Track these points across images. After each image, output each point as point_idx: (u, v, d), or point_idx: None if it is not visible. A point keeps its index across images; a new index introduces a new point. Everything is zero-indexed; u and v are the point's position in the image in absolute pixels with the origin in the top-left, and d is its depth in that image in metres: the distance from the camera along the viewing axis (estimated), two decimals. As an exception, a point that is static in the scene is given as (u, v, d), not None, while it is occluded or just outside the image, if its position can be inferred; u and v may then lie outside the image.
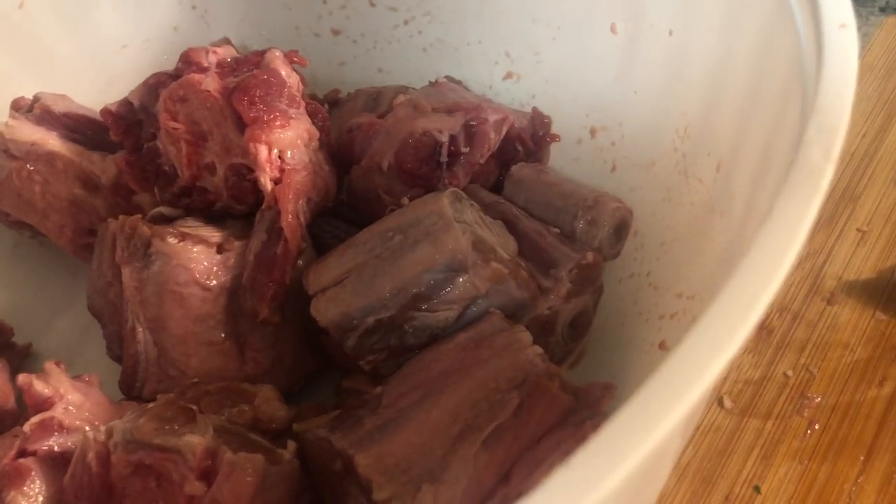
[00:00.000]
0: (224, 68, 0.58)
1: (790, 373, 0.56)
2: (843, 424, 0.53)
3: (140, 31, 0.81)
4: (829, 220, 0.65)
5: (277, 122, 0.56)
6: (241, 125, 0.57)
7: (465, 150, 0.64)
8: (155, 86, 0.60)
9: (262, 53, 0.59)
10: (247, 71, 0.58)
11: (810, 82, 0.37)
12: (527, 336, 0.52)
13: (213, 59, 0.59)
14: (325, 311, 0.56)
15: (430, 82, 0.74)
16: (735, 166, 0.52)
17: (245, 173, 0.58)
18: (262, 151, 0.55)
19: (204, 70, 0.58)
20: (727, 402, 0.55)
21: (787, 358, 0.57)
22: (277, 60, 0.58)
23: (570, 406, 0.48)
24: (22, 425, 0.56)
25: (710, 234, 0.54)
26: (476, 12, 0.75)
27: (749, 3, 0.48)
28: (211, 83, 0.57)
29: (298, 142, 0.57)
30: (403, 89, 0.74)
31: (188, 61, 0.59)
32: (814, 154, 0.31)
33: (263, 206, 0.58)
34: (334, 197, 0.63)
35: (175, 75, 0.61)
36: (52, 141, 0.67)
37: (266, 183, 0.56)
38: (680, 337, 0.52)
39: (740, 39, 0.50)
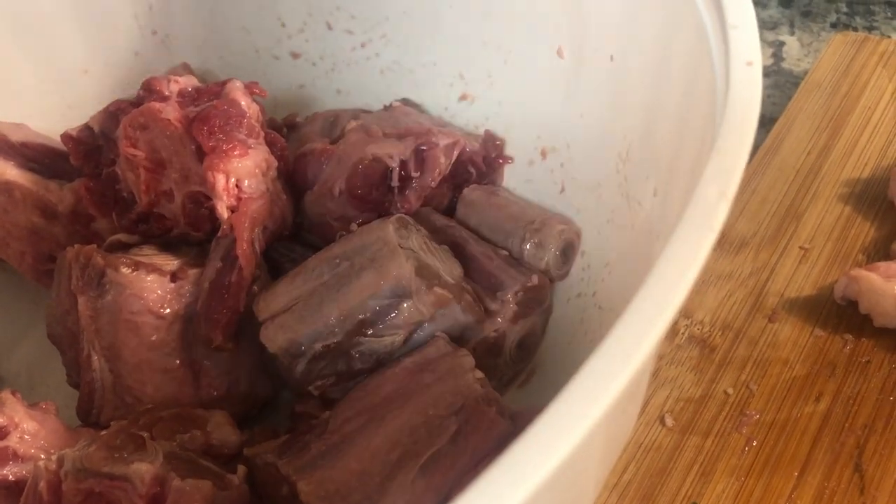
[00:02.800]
0: (185, 97, 0.60)
1: (731, 390, 0.57)
2: (780, 441, 0.54)
3: (100, 56, 0.82)
4: (772, 237, 0.66)
5: (236, 152, 0.57)
6: (201, 154, 0.58)
7: (415, 174, 0.65)
8: (115, 112, 0.61)
9: (223, 84, 0.61)
10: (207, 101, 0.59)
11: (719, 119, 0.38)
12: (468, 360, 0.53)
13: (174, 87, 0.60)
14: (274, 337, 0.57)
15: (384, 106, 0.76)
16: (668, 192, 0.53)
17: (202, 201, 0.59)
18: (220, 180, 0.56)
19: (165, 99, 0.59)
20: (668, 421, 0.56)
21: (729, 375, 0.58)
22: (238, 91, 0.59)
23: (508, 431, 0.49)
24: (-21, 454, 0.57)
25: (649, 257, 0.55)
26: (430, 35, 0.77)
27: (676, 34, 0.50)
28: (171, 112, 0.58)
29: (256, 171, 0.58)
30: (359, 113, 0.75)
31: (149, 89, 0.60)
32: (709, 193, 0.33)
33: (219, 234, 0.59)
34: (290, 225, 0.64)
35: (136, 103, 0.62)
36: (9, 171, 0.68)
37: (223, 211, 0.57)
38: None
39: (671, 69, 0.51)
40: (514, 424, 0.49)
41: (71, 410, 0.63)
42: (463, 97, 0.77)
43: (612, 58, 0.60)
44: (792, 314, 0.61)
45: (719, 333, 0.61)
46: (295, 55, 0.83)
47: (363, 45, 0.81)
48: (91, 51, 0.81)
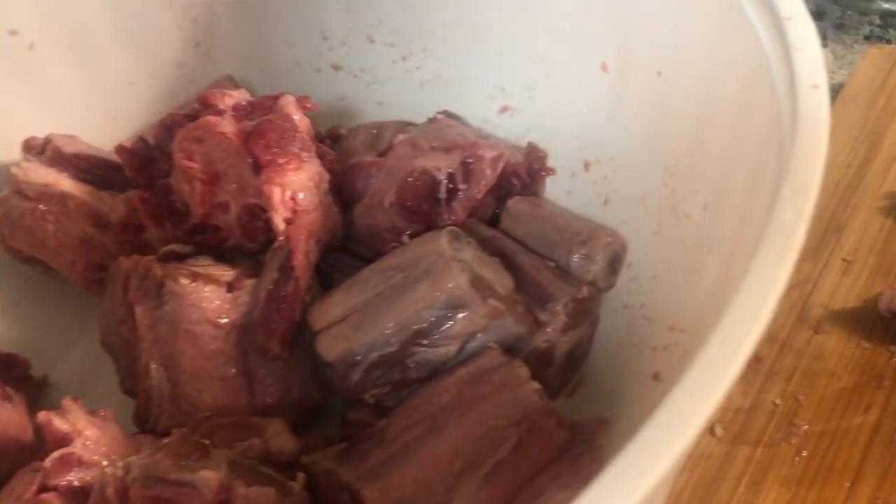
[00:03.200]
0: (239, 111, 0.61)
1: (778, 401, 0.58)
2: (830, 451, 0.55)
3: (145, 68, 0.83)
4: (815, 250, 0.67)
5: (291, 165, 0.58)
6: (257, 167, 0.60)
7: (462, 186, 0.66)
8: (171, 125, 0.62)
9: (276, 98, 0.62)
10: (261, 115, 0.60)
11: (786, 139, 0.39)
12: (524, 372, 0.54)
13: (228, 101, 0.61)
14: (330, 347, 0.59)
15: (428, 119, 0.77)
16: (721, 206, 0.54)
17: (258, 213, 0.60)
18: (276, 193, 0.58)
19: (220, 113, 0.60)
20: (718, 431, 0.57)
21: (776, 386, 0.59)
22: (290, 105, 0.61)
23: (566, 441, 0.50)
24: (41, 459, 0.58)
25: (700, 270, 0.56)
26: (471, 49, 0.78)
27: (730, 54, 0.51)
28: (227, 126, 0.59)
29: (310, 184, 0.60)
30: (403, 125, 0.76)
31: (205, 103, 0.62)
32: (787, 214, 0.34)
33: (275, 245, 0.60)
34: (341, 236, 0.65)
35: (191, 116, 0.63)
36: (63, 182, 0.70)
37: (279, 223, 0.58)
38: (673, 370, 0.55)
39: (723, 87, 0.52)
40: (572, 435, 0.50)
41: (122, 417, 0.64)
42: (504, 109, 0.78)
43: (659, 73, 0.62)
44: (837, 326, 0.62)
45: (765, 344, 0.62)
46: (336, 67, 0.84)
47: (404, 58, 0.82)
48: (136, 63, 0.83)
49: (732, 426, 0.57)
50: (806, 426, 0.57)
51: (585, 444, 0.50)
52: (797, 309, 0.64)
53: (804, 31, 0.42)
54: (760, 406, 0.58)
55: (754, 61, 0.46)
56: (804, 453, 0.55)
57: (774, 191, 0.39)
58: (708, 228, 0.56)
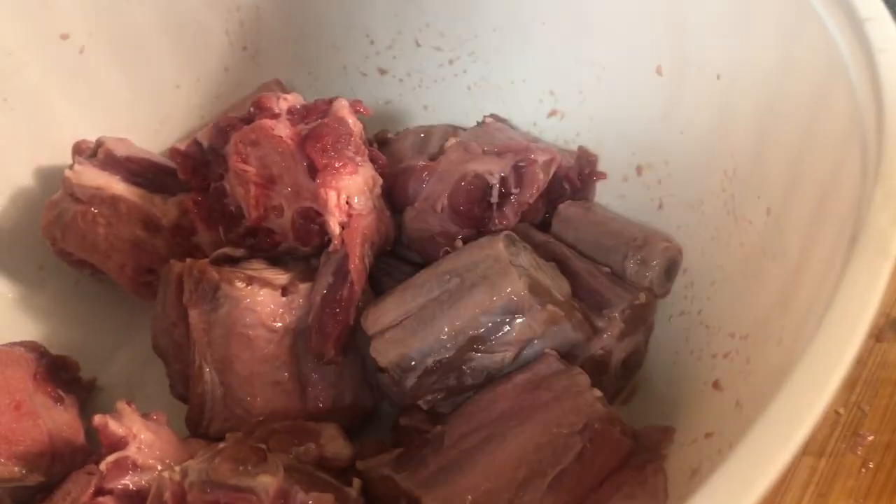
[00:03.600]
0: (294, 115, 0.61)
1: (842, 410, 0.57)
2: (898, 463, 0.54)
3: (192, 72, 0.84)
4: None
5: (347, 169, 0.58)
6: (312, 171, 0.59)
7: (514, 190, 0.66)
8: (225, 128, 0.62)
9: (330, 102, 0.61)
10: (316, 118, 0.60)
11: (871, 142, 0.38)
12: (585, 379, 0.53)
13: (283, 105, 0.61)
14: (385, 351, 0.58)
15: (477, 122, 0.76)
16: (787, 212, 0.53)
17: (313, 217, 0.60)
18: (332, 197, 0.57)
19: (275, 116, 0.60)
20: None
21: (839, 396, 0.58)
22: (344, 109, 0.60)
23: (631, 449, 0.49)
24: (93, 462, 0.58)
25: (762, 276, 0.55)
26: (520, 52, 0.77)
27: (799, 56, 0.50)
28: (283, 129, 0.59)
29: (364, 188, 0.59)
30: (451, 129, 0.76)
31: (260, 107, 0.62)
32: (881, 220, 0.33)
33: (330, 249, 0.60)
34: (393, 240, 0.65)
35: (246, 119, 0.63)
36: (115, 185, 0.70)
37: (335, 227, 0.58)
38: (735, 378, 0.54)
39: (791, 90, 0.51)
40: (635, 443, 0.49)
41: (172, 421, 0.64)
42: (552, 113, 0.77)
43: (718, 76, 0.61)
44: (900, 334, 0.61)
45: (826, 353, 0.61)
46: (382, 71, 0.84)
47: (451, 62, 0.82)
48: (183, 66, 0.83)
49: (795, 436, 0.56)
50: (871, 437, 0.55)
51: (649, 452, 0.49)
52: (858, 317, 0.62)
53: (887, 32, 0.41)
54: (823, 415, 0.57)
55: (828, 63, 0.45)
56: (870, 464, 0.54)
57: (858, 196, 0.38)
58: (771, 234, 0.55)
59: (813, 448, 0.56)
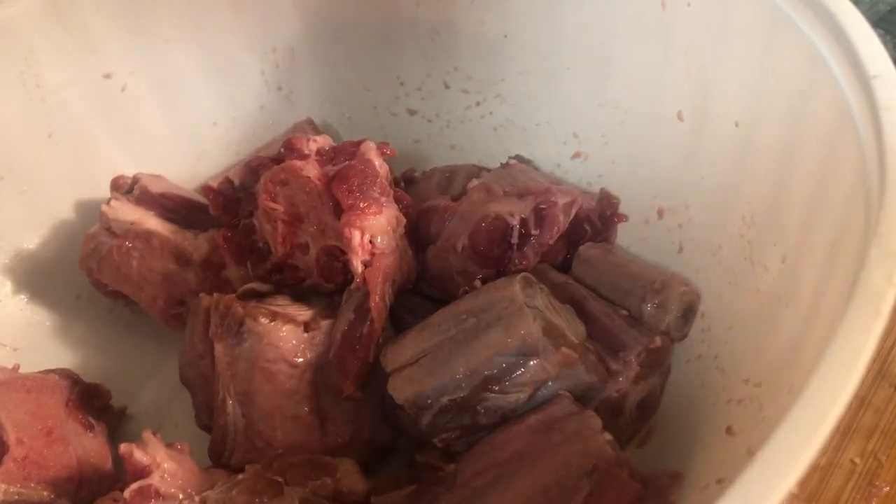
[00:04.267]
0: (322, 156, 0.63)
1: (857, 460, 0.57)
2: (913, 515, 0.54)
3: (228, 110, 0.87)
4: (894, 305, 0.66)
5: (371, 210, 0.60)
6: (338, 210, 0.61)
7: (535, 232, 0.67)
8: (256, 167, 0.65)
9: (358, 144, 0.64)
10: (344, 160, 0.62)
11: (873, 199, 0.39)
12: (597, 422, 0.54)
13: (313, 146, 0.63)
14: (401, 389, 0.59)
15: (500, 164, 0.78)
16: (801, 260, 0.53)
17: (337, 255, 0.62)
18: (356, 236, 0.59)
19: (305, 157, 0.62)
20: (794, 489, 0.56)
21: (854, 444, 0.58)
22: (371, 152, 0.62)
23: (639, 494, 0.49)
24: (119, 489, 0.60)
25: (777, 323, 0.56)
26: (545, 96, 0.79)
27: (812, 109, 0.51)
28: (311, 170, 0.61)
29: (388, 228, 0.61)
30: (476, 170, 0.77)
31: (290, 147, 0.64)
32: (876, 279, 0.34)
33: (352, 287, 0.61)
34: (414, 279, 0.66)
35: (277, 160, 0.65)
36: (149, 220, 0.73)
37: (357, 265, 0.60)
38: (747, 424, 0.54)
39: (806, 141, 0.52)
40: (645, 488, 0.50)
41: (197, 450, 0.65)
42: (576, 155, 0.79)
43: (737, 124, 0.61)
44: (920, 384, 0.61)
45: (844, 401, 0.60)
46: (412, 112, 0.86)
47: (478, 104, 0.84)
48: (220, 105, 0.86)
49: (808, 484, 0.56)
50: (887, 488, 0.55)
51: (658, 498, 0.49)
52: (876, 365, 0.62)
53: (891, 91, 0.41)
54: (838, 464, 0.57)
55: (840, 117, 0.46)
56: (886, 516, 0.54)
57: (860, 251, 0.39)
58: (786, 282, 0.55)
59: (828, 497, 0.56)
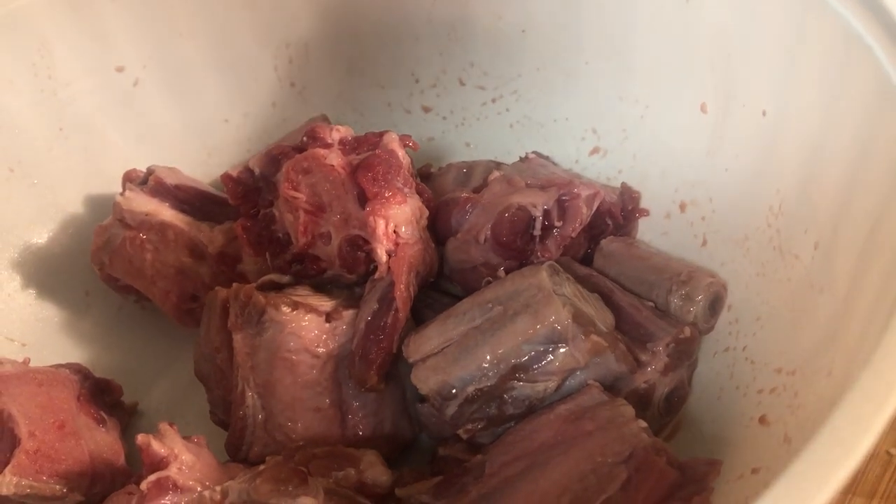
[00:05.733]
0: (346, 146, 0.62)
1: (894, 451, 0.56)
2: (952, 506, 0.52)
3: (241, 106, 0.86)
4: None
5: (396, 199, 0.59)
6: (362, 199, 0.60)
7: (557, 224, 0.66)
8: (277, 156, 0.64)
9: (381, 135, 0.63)
10: (367, 150, 0.61)
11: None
12: (629, 409, 0.53)
13: (336, 136, 0.62)
14: (425, 379, 0.58)
15: (520, 158, 0.77)
16: (836, 245, 0.53)
17: (360, 244, 0.61)
18: (381, 225, 0.58)
19: (328, 146, 0.61)
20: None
21: (890, 436, 0.57)
22: (395, 142, 0.61)
23: (677, 481, 0.48)
24: (134, 483, 0.58)
25: (810, 311, 0.55)
26: (562, 91, 0.78)
27: (849, 89, 0.50)
28: (335, 158, 0.60)
29: (412, 218, 0.60)
30: (494, 164, 0.77)
31: (313, 136, 0.63)
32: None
33: (375, 276, 0.60)
34: (437, 272, 0.65)
35: (299, 148, 0.64)
36: (164, 212, 0.71)
37: (382, 255, 0.59)
38: (782, 412, 0.53)
39: (841, 122, 0.51)
40: (683, 475, 0.49)
41: (213, 447, 0.64)
42: (594, 151, 0.78)
43: (764, 113, 0.61)
44: (952, 375, 0.59)
45: (875, 392, 0.59)
46: (426, 109, 0.86)
47: (494, 101, 0.83)
48: (232, 101, 0.85)
49: (845, 476, 0.55)
50: (924, 479, 0.54)
51: (696, 485, 0.48)
52: (908, 357, 0.61)
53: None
54: (874, 456, 0.56)
55: (879, 91, 0.45)
56: (924, 507, 0.53)
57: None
58: (819, 269, 0.55)
59: (864, 489, 0.54)
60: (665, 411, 0.61)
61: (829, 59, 0.52)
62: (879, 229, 0.45)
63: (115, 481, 0.63)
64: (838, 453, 0.29)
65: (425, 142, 0.86)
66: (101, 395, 0.69)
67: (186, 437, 0.60)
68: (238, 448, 0.62)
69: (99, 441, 0.65)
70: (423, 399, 0.60)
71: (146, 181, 0.73)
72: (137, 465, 0.60)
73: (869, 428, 0.30)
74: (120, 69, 0.79)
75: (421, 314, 0.67)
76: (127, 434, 0.69)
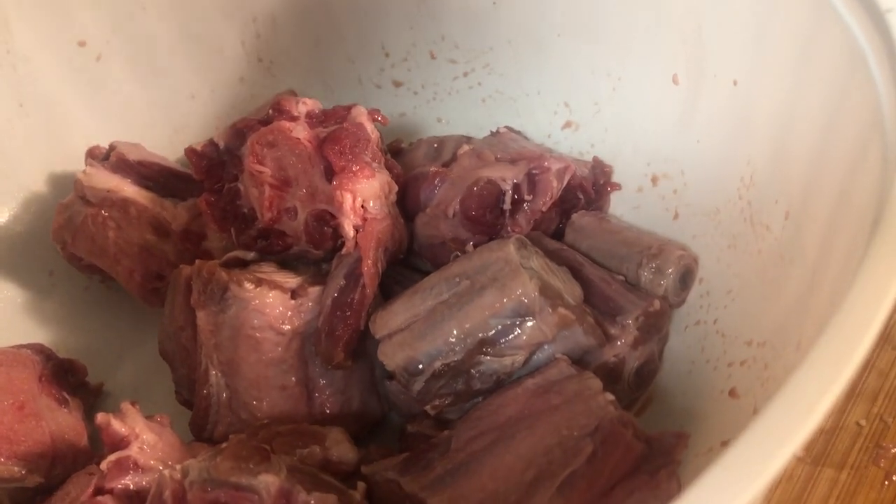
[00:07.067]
0: (312, 119, 0.61)
1: (863, 422, 0.56)
2: (921, 476, 0.52)
3: (207, 82, 0.84)
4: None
5: (364, 173, 0.58)
6: (329, 173, 0.59)
7: (528, 198, 0.65)
8: (242, 129, 0.62)
9: (349, 108, 0.61)
10: (334, 123, 0.60)
11: (892, 133, 0.37)
12: (597, 382, 0.52)
13: (302, 108, 0.61)
14: (392, 354, 0.57)
15: (491, 132, 0.76)
16: (806, 214, 0.52)
17: (327, 219, 0.59)
18: (348, 199, 0.57)
19: (294, 119, 0.60)
20: (799, 451, 0.54)
21: (860, 407, 0.56)
22: (363, 116, 0.60)
23: (644, 454, 0.48)
24: (95, 463, 0.57)
25: (780, 282, 0.54)
26: (535, 65, 0.77)
27: (819, 55, 0.49)
28: (301, 131, 0.59)
29: (380, 193, 0.59)
30: (465, 139, 0.75)
31: (279, 109, 0.61)
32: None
33: (342, 252, 0.59)
34: (406, 248, 0.64)
35: (264, 121, 0.62)
36: (126, 188, 0.70)
37: (349, 229, 0.58)
38: (752, 385, 0.52)
39: (810, 90, 0.51)
40: (650, 448, 0.48)
41: (177, 428, 0.63)
42: (567, 125, 0.77)
43: (735, 82, 0.60)
44: (923, 347, 0.59)
45: (846, 365, 0.59)
46: (397, 84, 0.84)
47: (465, 75, 0.82)
48: (199, 76, 0.83)
49: (814, 447, 0.55)
50: (894, 449, 0.53)
51: (663, 457, 0.47)
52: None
53: (910, 22, 0.40)
54: (844, 427, 0.55)
55: (848, 58, 0.44)
56: (894, 477, 0.52)
57: (879, 184, 0.37)
58: (789, 239, 0.54)
59: (834, 460, 0.54)
60: (635, 385, 0.60)
61: (798, 26, 0.51)
62: (846, 198, 0.45)
63: (77, 462, 0.62)
64: (794, 418, 0.28)
65: (396, 117, 0.85)
66: (64, 375, 0.68)
67: (149, 417, 0.59)
68: (202, 427, 0.61)
69: (61, 422, 0.63)
70: (391, 376, 0.59)
71: (108, 157, 0.72)
72: (101, 446, 0.58)
73: (825, 393, 0.29)
74: (82, 44, 0.77)
75: (390, 291, 0.66)
76: (91, 415, 0.68)
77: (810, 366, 0.30)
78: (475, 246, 0.63)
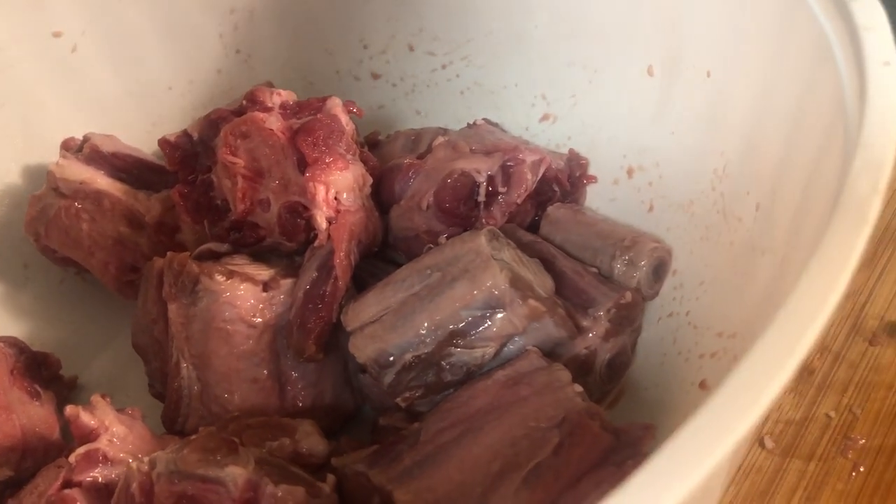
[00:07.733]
0: (286, 110, 0.60)
1: (832, 414, 0.56)
2: (889, 467, 0.52)
3: (185, 74, 0.83)
4: (869, 260, 0.65)
5: (337, 165, 0.57)
6: (302, 165, 0.59)
7: (502, 190, 0.65)
8: (216, 120, 0.62)
9: (324, 100, 0.61)
10: (308, 114, 0.60)
11: (853, 119, 0.37)
12: (566, 374, 0.52)
13: (276, 100, 0.61)
14: (363, 347, 0.57)
15: (468, 124, 0.76)
16: (775, 205, 0.52)
17: (300, 211, 0.59)
18: (321, 191, 0.57)
19: (268, 110, 0.60)
20: (768, 443, 0.54)
21: (829, 399, 0.56)
22: (338, 108, 0.60)
23: (611, 445, 0.47)
24: (66, 455, 0.57)
25: (751, 273, 0.54)
26: (513, 57, 0.77)
27: (790, 45, 0.49)
28: (275, 122, 0.58)
29: (354, 185, 0.59)
30: (442, 131, 0.75)
31: (253, 100, 0.61)
32: (860, 186, 0.32)
33: (315, 244, 0.59)
34: (380, 241, 0.64)
35: (237, 112, 0.62)
36: (99, 180, 0.69)
37: (322, 221, 0.57)
38: (721, 376, 0.52)
39: (781, 80, 0.51)
40: (617, 439, 0.48)
41: (150, 420, 0.62)
42: (544, 117, 0.77)
43: (708, 73, 0.60)
44: (894, 338, 0.59)
45: (817, 356, 0.59)
46: (375, 76, 0.84)
47: (444, 67, 0.81)
48: (176, 68, 0.82)
49: (783, 438, 0.55)
50: (863, 440, 0.54)
51: (631, 449, 0.47)
52: (851, 319, 0.61)
53: (872, 10, 0.40)
54: (813, 418, 0.55)
55: (817, 48, 0.44)
56: (861, 468, 0.52)
57: (840, 172, 0.37)
58: (760, 230, 0.54)
59: (803, 452, 0.54)
60: (607, 378, 0.60)
61: (771, 16, 0.51)
62: (812, 187, 0.44)
63: (48, 455, 0.62)
64: (744, 401, 0.28)
65: (375, 110, 0.85)
66: (37, 368, 0.67)
67: (120, 410, 0.59)
68: (174, 420, 0.60)
69: (32, 415, 0.63)
70: (364, 369, 0.59)
71: (81, 148, 0.71)
72: (73, 440, 0.58)
73: (776, 375, 0.29)
74: (57, 34, 0.77)
75: (365, 284, 0.65)
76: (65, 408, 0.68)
77: (762, 348, 0.30)
78: (449, 238, 0.63)
